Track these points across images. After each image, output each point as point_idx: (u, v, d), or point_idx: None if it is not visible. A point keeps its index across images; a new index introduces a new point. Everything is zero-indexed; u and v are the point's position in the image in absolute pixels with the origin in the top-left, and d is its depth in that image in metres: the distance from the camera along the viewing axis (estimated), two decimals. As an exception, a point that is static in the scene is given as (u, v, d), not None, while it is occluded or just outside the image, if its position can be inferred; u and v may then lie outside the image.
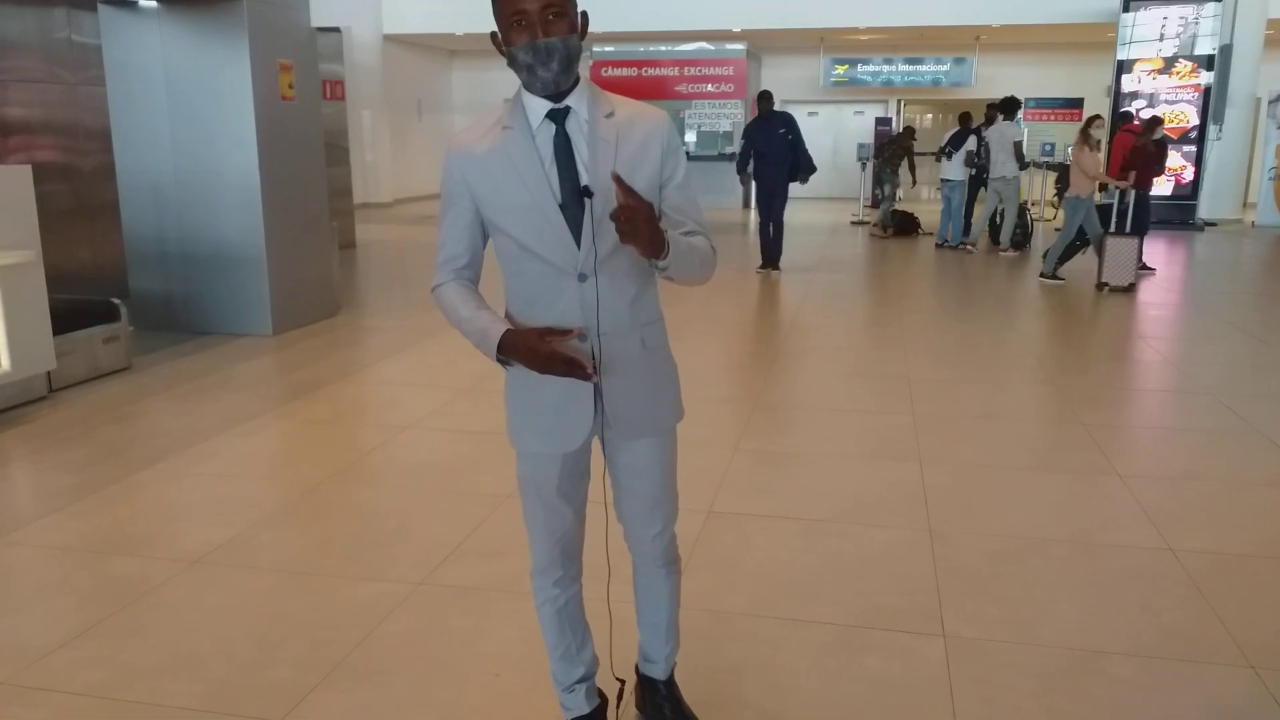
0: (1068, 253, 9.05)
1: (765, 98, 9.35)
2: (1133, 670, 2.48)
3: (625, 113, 1.75)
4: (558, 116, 1.70)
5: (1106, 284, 8.50)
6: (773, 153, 9.04)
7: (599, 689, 2.16)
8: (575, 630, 2.05)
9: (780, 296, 8.21)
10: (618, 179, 1.56)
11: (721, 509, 3.51)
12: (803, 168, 9.22)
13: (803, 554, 3.17)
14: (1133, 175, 9.03)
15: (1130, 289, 8.46)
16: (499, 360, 1.74)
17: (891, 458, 4.10)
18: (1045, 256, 9.12)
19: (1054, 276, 8.90)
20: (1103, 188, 9.84)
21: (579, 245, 1.71)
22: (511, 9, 1.62)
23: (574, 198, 1.69)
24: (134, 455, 4.11)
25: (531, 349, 1.68)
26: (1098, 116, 9.42)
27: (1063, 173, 9.28)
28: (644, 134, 1.74)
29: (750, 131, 9.45)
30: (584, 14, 1.69)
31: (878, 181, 13.66)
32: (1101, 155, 9.38)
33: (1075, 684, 2.41)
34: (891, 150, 13.22)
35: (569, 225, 1.70)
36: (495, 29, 1.69)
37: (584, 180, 1.69)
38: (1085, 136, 8.82)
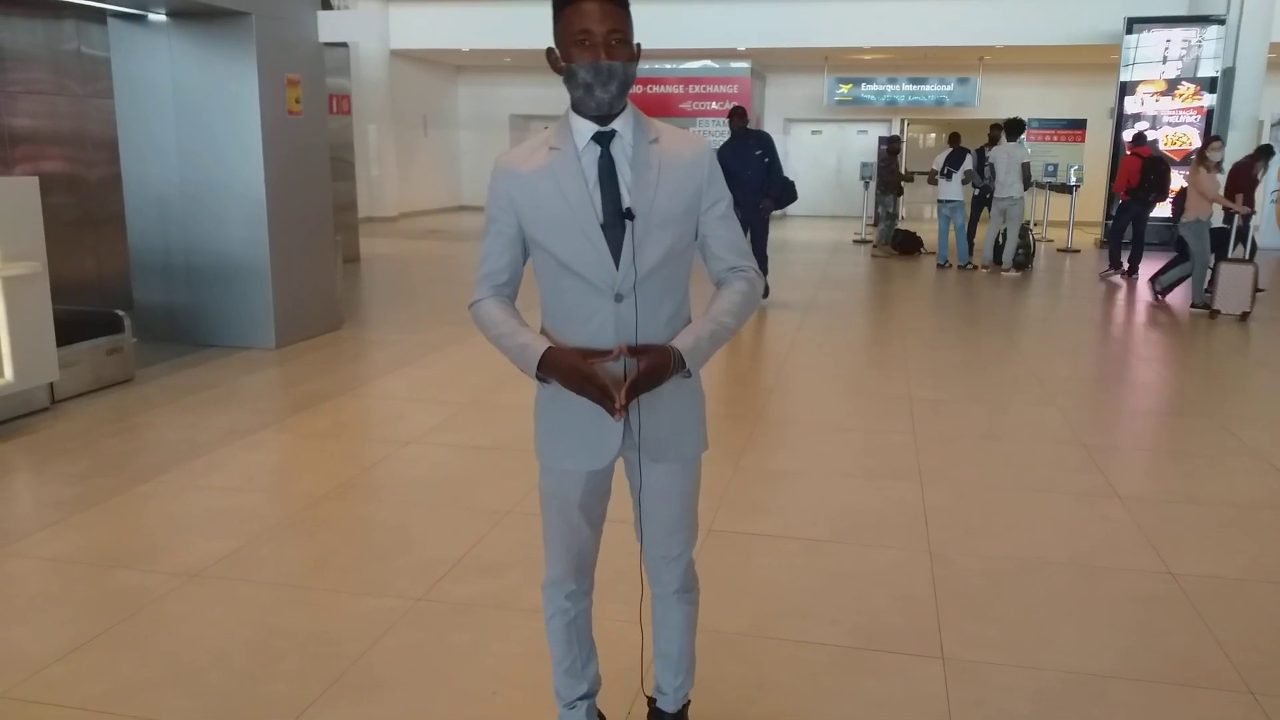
0: (1173, 276, 8.89)
1: (738, 114, 8.39)
2: (1131, 694, 2.47)
3: (669, 140, 1.79)
4: (603, 139, 1.75)
5: (1219, 310, 8.09)
6: (747, 175, 7.98)
7: (599, 711, 2.16)
8: (582, 646, 2.05)
9: (781, 315, 8.23)
10: (627, 350, 1.69)
11: (722, 527, 3.51)
12: (774, 192, 8.22)
13: (802, 574, 3.17)
14: (1239, 198, 8.83)
15: (1244, 318, 8.03)
16: (537, 378, 1.76)
17: (892, 477, 4.11)
18: (1157, 278, 9.01)
19: (1163, 293, 8.93)
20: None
21: (618, 265, 1.74)
22: (578, 27, 1.66)
23: (615, 219, 1.73)
24: (136, 467, 4.12)
25: (573, 367, 1.71)
26: (1216, 139, 9.37)
27: (1179, 197, 9.11)
28: (688, 162, 1.78)
29: (723, 153, 8.21)
30: (638, 45, 1.74)
31: (879, 201, 13.66)
32: (1221, 177, 9.03)
33: (1074, 707, 2.41)
34: (890, 170, 13.20)
35: (609, 245, 1.74)
36: (552, 45, 1.73)
37: (626, 203, 1.73)
38: (1202, 158, 8.63)
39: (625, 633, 2.34)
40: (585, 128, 1.75)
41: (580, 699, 2.07)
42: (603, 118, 1.74)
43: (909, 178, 11.41)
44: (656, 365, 1.70)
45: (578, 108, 1.75)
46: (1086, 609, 2.94)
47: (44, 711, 2.34)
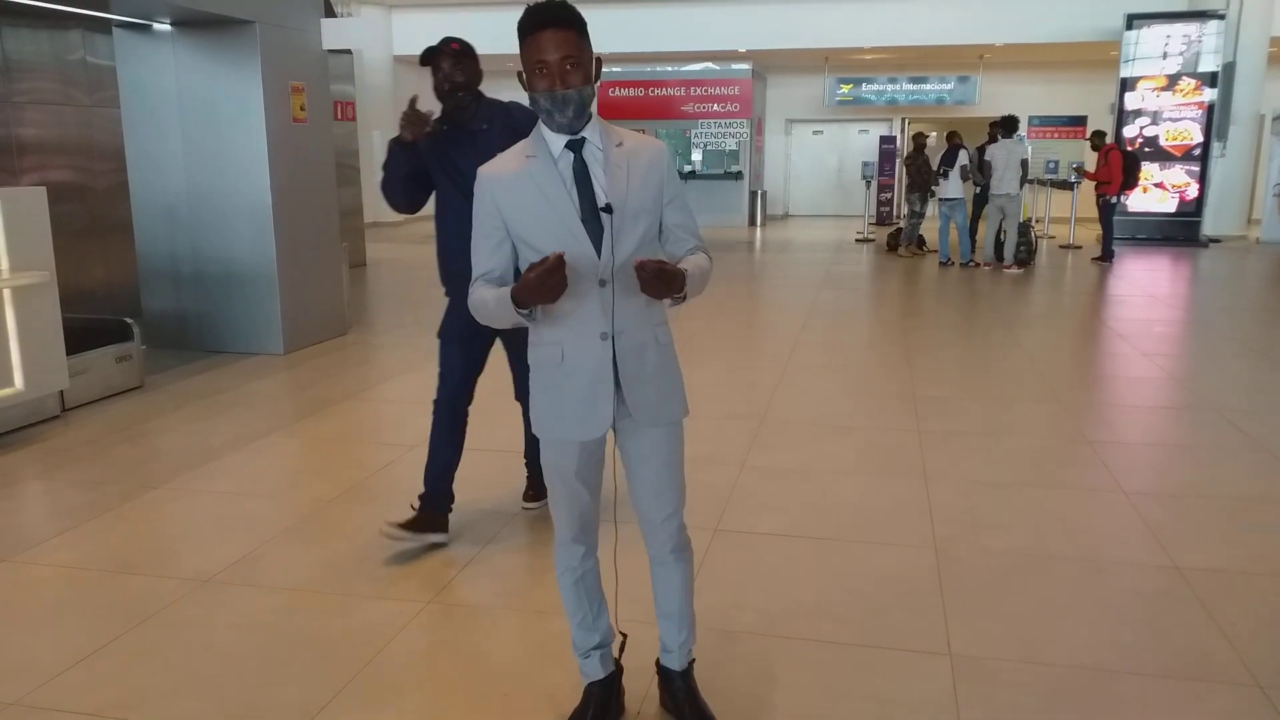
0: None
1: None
2: (1138, 689, 2.48)
3: (631, 143, 2.02)
4: (575, 146, 1.96)
5: None
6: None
7: (615, 658, 2.33)
8: (592, 600, 2.25)
9: (785, 314, 8.24)
10: (643, 265, 1.85)
11: (728, 527, 3.53)
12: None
13: (809, 572, 3.18)
14: None
15: None
16: (520, 314, 1.93)
17: (896, 474, 4.12)
18: None
19: None
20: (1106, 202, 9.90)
21: (599, 255, 1.94)
22: (535, 57, 1.88)
23: (591, 214, 1.94)
24: (146, 474, 4.15)
25: (528, 281, 1.84)
26: None
27: None
28: (648, 161, 2.02)
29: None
30: (598, 59, 1.96)
31: (907, 199, 13.30)
32: None
33: (1081, 703, 2.42)
34: (916, 168, 12.88)
35: (590, 238, 1.94)
36: (521, 69, 1.93)
37: (603, 200, 1.94)
38: None
39: (637, 632, 2.36)
40: (557, 138, 1.97)
41: (594, 648, 2.26)
42: (570, 130, 1.95)
43: (943, 173, 11.25)
44: (666, 265, 1.89)
45: (547, 124, 1.97)
46: (1093, 604, 2.95)
47: (57, 718, 2.36)
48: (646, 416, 2.05)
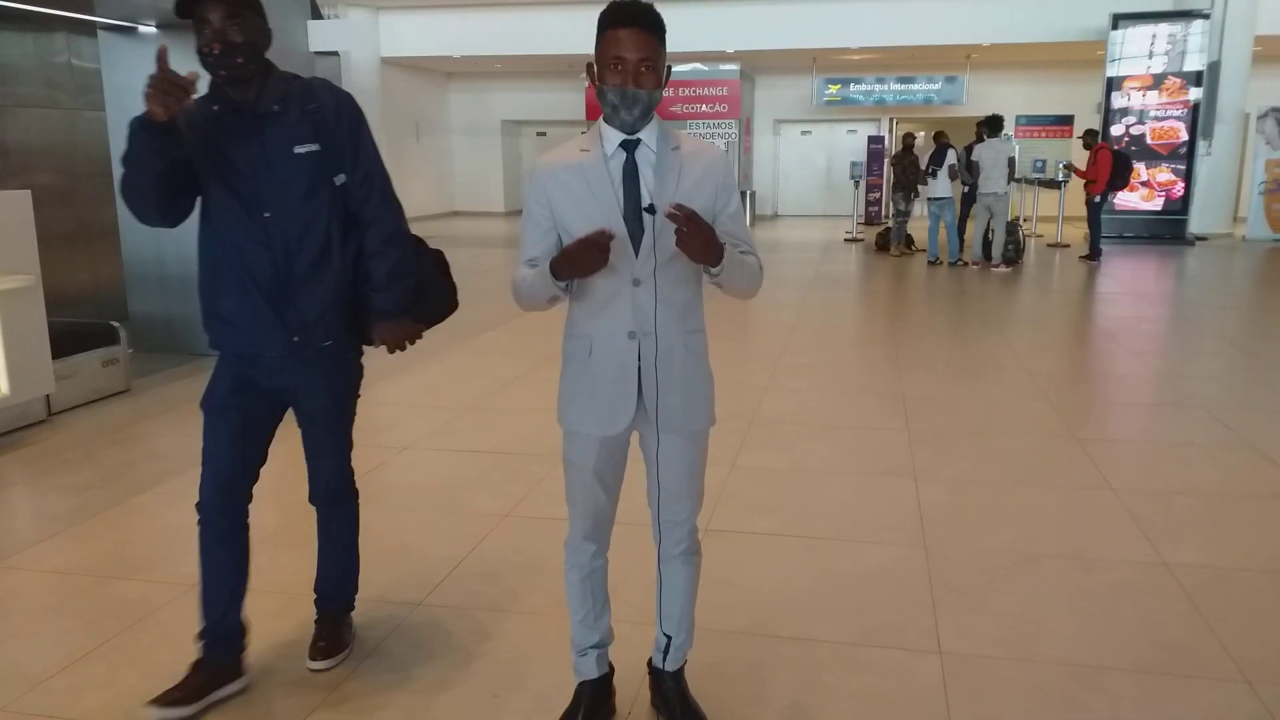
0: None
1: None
2: (1129, 686, 2.50)
3: (689, 148, 2.05)
4: (629, 146, 1.99)
5: None
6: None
7: (609, 662, 2.33)
8: (596, 599, 2.25)
9: (775, 313, 8.26)
10: (679, 206, 1.83)
11: (718, 526, 3.53)
12: None
13: (800, 571, 3.19)
14: None
15: None
16: (557, 286, 1.96)
17: (887, 474, 4.13)
18: None
19: None
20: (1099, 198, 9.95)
21: (636, 254, 1.97)
22: (612, 53, 1.90)
23: (635, 215, 1.97)
24: (134, 478, 4.12)
25: (568, 250, 1.91)
26: None
27: None
28: (703, 167, 2.03)
29: None
30: (669, 67, 1.99)
31: (894, 200, 13.32)
32: None
33: (1071, 700, 2.43)
34: (903, 167, 12.76)
35: (630, 238, 1.97)
36: (593, 60, 1.96)
37: (647, 201, 1.97)
38: None
39: (627, 633, 2.36)
40: (614, 135, 1.99)
41: (592, 647, 2.27)
42: (630, 129, 1.96)
43: (931, 173, 11.26)
44: (704, 223, 1.87)
45: (607, 120, 1.98)
46: (1082, 601, 2.97)
47: (47, 723, 2.35)
48: (666, 422, 2.06)
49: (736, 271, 1.99)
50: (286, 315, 2.32)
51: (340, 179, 2.35)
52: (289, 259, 2.30)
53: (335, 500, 2.63)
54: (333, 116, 2.33)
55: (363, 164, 2.37)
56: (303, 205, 2.29)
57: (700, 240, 1.86)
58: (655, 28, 1.91)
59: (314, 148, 2.29)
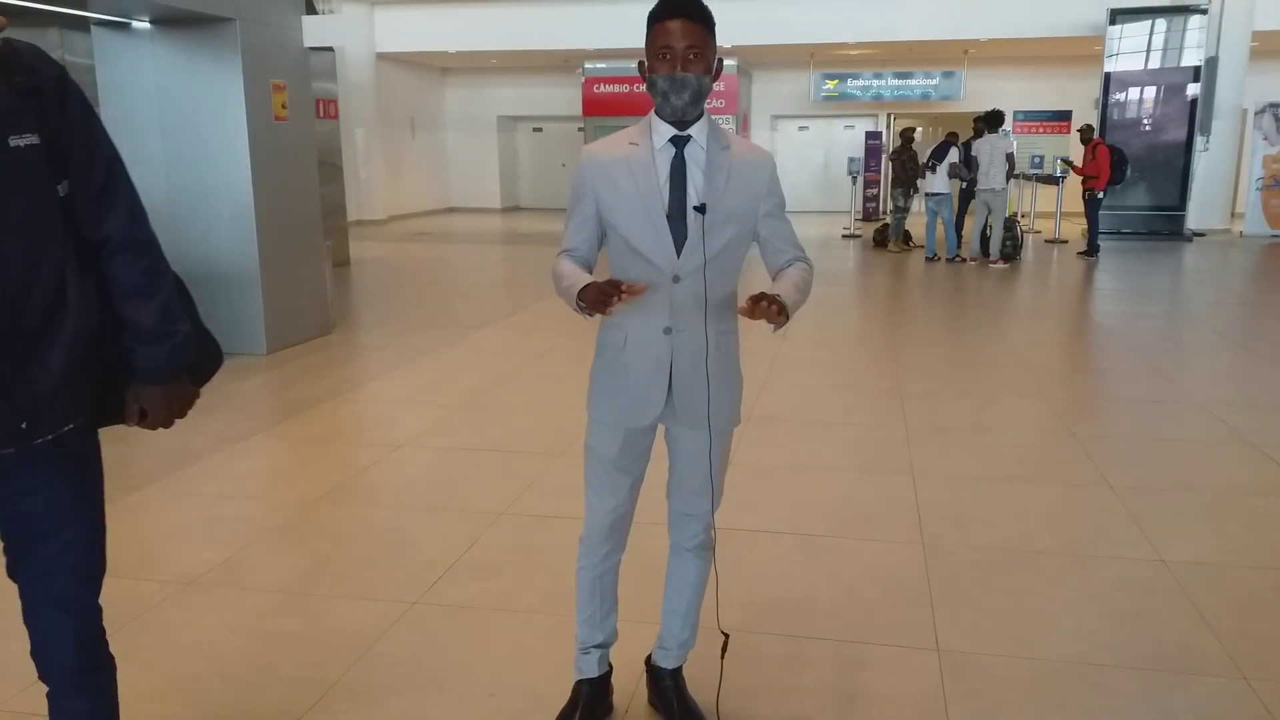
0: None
1: None
2: (1125, 682, 2.49)
3: (739, 149, 2.05)
4: (679, 142, 1.98)
5: None
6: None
7: (609, 662, 2.33)
8: (605, 599, 2.24)
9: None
10: (749, 306, 1.82)
11: (716, 523, 3.51)
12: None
13: (797, 568, 3.18)
14: None
15: None
16: (579, 306, 1.92)
17: (884, 470, 4.12)
18: None
19: None
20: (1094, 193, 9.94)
21: (678, 252, 1.97)
22: (661, 42, 1.91)
23: (679, 212, 1.97)
24: (128, 475, 4.10)
25: (592, 286, 1.86)
26: None
27: None
28: (752, 169, 2.03)
29: None
30: (720, 60, 1.99)
31: (893, 195, 13.29)
32: None
33: (1069, 697, 2.43)
34: (901, 163, 12.74)
35: (672, 234, 1.97)
36: (643, 58, 1.97)
37: (694, 199, 1.96)
38: None
39: (624, 630, 2.35)
40: (665, 129, 1.98)
41: (595, 646, 2.27)
42: (681, 123, 1.96)
43: (931, 166, 11.21)
44: (769, 297, 1.86)
45: (659, 112, 1.98)
46: (1079, 598, 2.96)
47: (40, 723, 2.34)
48: (690, 418, 2.07)
49: (796, 299, 1.98)
50: (13, 389, 1.52)
51: (64, 187, 1.57)
52: (16, 305, 1.50)
53: (86, 666, 1.85)
54: (55, 96, 1.55)
55: (101, 165, 1.62)
56: (25, 226, 1.51)
57: (775, 308, 1.85)
58: (703, 19, 1.93)
59: (33, 140, 1.51)
